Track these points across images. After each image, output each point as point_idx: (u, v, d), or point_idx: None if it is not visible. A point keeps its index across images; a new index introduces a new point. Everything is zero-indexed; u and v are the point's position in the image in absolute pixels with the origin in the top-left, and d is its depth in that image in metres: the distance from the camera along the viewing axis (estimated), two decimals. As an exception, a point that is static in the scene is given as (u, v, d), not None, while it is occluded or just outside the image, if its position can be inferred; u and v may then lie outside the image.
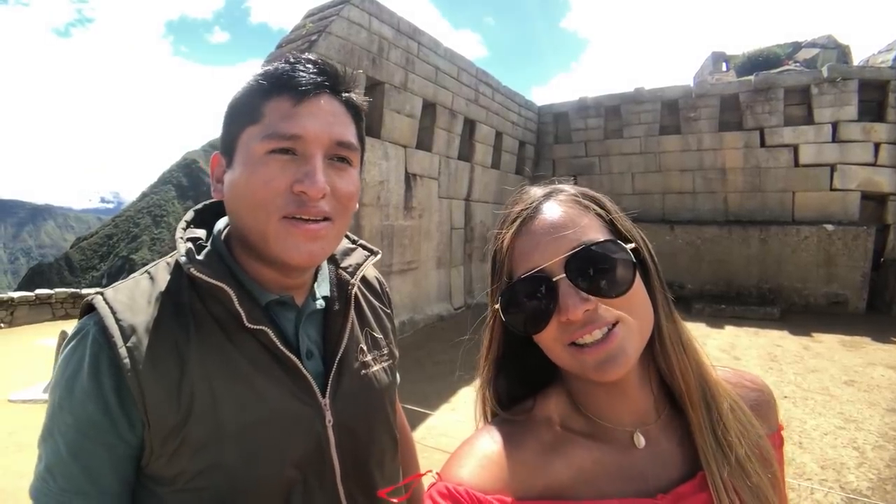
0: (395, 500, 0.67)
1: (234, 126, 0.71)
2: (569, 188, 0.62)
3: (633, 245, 0.57)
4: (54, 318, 9.07)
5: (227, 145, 0.72)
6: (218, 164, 0.74)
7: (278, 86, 0.68)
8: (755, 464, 0.56)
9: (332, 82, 0.71)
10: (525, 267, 0.57)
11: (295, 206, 0.67)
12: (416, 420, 4.15)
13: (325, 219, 0.69)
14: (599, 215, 0.59)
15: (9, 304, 8.63)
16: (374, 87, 6.67)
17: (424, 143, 7.88)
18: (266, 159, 0.67)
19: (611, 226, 0.59)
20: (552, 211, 0.58)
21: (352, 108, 0.74)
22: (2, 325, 8.39)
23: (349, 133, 0.72)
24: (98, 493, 0.64)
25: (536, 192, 0.62)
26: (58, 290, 9.61)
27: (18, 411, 4.43)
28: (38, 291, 9.27)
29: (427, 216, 7.99)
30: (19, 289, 10.71)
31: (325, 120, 0.69)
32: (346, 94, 0.74)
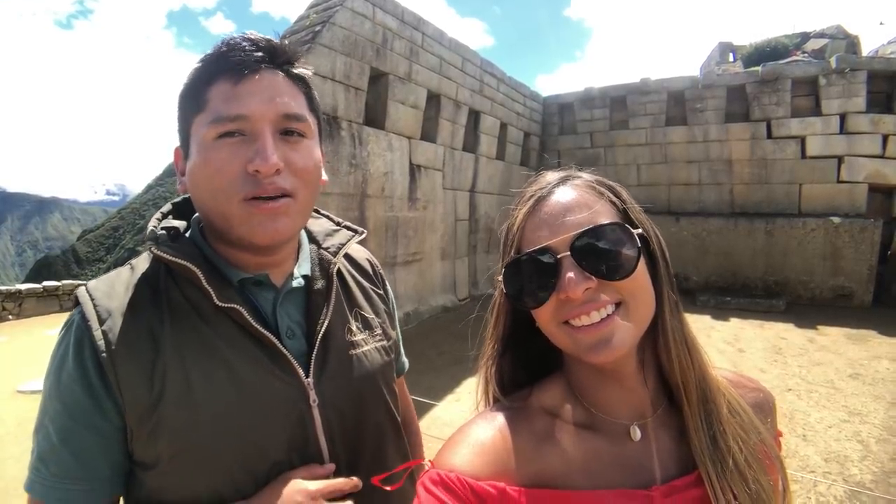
0: (387, 488, 0.67)
1: (184, 116, 0.71)
2: (585, 175, 0.63)
3: (640, 231, 0.57)
4: (62, 309, 9.12)
5: (183, 136, 0.73)
6: (179, 157, 0.75)
7: (217, 69, 0.68)
8: (755, 469, 0.56)
9: (270, 57, 0.70)
10: (533, 243, 0.57)
11: (252, 187, 0.67)
12: (421, 411, 4.17)
13: (285, 195, 0.69)
14: (613, 203, 0.59)
15: (17, 297, 8.71)
16: (378, 78, 6.64)
17: (429, 134, 7.85)
18: (217, 145, 0.67)
19: (623, 214, 0.59)
20: (566, 193, 0.59)
21: (297, 79, 0.74)
22: (10, 316, 8.47)
23: (296, 104, 0.71)
24: (89, 478, 0.64)
25: (553, 175, 0.63)
26: (65, 281, 9.68)
27: (27, 401, 4.47)
28: (46, 283, 9.32)
29: (431, 207, 7.98)
30: (27, 281, 10.77)
31: (268, 95, 0.68)
32: (288, 67, 0.73)
